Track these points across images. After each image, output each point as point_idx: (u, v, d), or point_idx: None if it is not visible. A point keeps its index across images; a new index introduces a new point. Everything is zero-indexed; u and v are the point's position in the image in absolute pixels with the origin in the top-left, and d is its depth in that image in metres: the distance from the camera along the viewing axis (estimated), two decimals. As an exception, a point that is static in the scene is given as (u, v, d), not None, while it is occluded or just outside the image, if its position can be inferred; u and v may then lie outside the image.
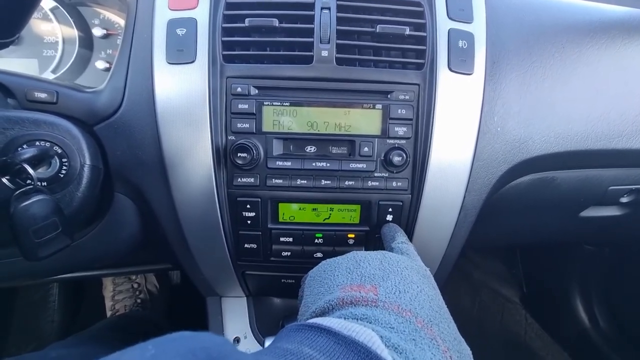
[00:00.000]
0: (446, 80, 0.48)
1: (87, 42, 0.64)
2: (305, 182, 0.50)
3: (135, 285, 1.12)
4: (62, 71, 0.63)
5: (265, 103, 0.48)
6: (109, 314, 1.08)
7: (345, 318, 0.29)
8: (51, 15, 0.62)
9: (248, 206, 0.51)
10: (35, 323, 1.10)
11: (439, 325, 0.31)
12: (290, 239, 0.54)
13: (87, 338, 0.73)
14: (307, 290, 0.37)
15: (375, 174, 0.50)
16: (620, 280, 1.08)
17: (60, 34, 0.62)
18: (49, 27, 0.62)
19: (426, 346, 0.28)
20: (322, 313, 0.32)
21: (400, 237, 0.47)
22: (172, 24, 0.48)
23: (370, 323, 0.28)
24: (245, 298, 0.67)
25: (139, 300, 1.09)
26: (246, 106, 0.48)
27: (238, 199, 0.51)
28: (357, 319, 0.29)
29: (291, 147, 0.50)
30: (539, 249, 1.23)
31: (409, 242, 0.46)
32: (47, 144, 0.42)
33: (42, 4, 0.60)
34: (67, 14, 0.61)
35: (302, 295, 0.40)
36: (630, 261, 1.05)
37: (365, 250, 0.54)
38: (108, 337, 0.77)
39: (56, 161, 0.43)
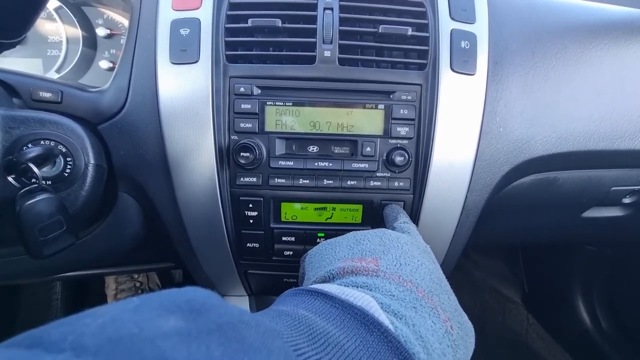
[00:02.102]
0: (448, 81, 0.48)
1: (90, 42, 0.64)
2: (308, 181, 0.51)
3: (138, 284, 1.12)
4: (66, 71, 0.63)
5: (268, 103, 0.49)
6: (111, 312, 1.09)
7: (345, 285, 0.29)
8: (55, 15, 0.62)
9: (250, 205, 0.51)
10: (39, 321, 1.10)
11: (440, 297, 0.31)
12: (293, 239, 0.54)
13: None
14: (308, 267, 0.37)
15: (378, 174, 0.50)
16: (622, 281, 1.08)
17: (64, 33, 0.63)
18: (53, 27, 0.63)
19: (427, 314, 0.28)
20: (323, 282, 0.32)
21: (403, 217, 0.46)
22: (176, 24, 0.48)
23: (370, 290, 0.28)
24: (247, 297, 0.67)
25: (141, 299, 1.10)
26: (249, 106, 0.48)
27: (240, 198, 0.51)
28: (358, 287, 0.29)
29: (294, 146, 0.50)
30: (541, 249, 1.23)
31: (411, 222, 0.46)
32: (52, 143, 0.42)
33: (46, 4, 0.61)
34: (71, 14, 0.62)
35: (302, 272, 0.40)
36: (632, 262, 1.05)
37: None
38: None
39: (61, 160, 0.43)
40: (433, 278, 0.32)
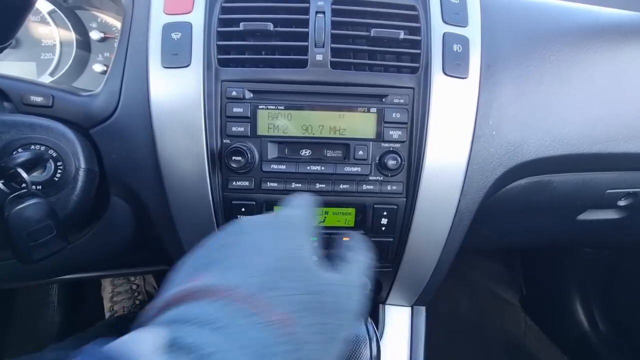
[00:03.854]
0: (441, 84, 0.48)
1: (84, 45, 0.64)
2: (300, 185, 0.50)
3: (134, 287, 1.12)
4: (59, 74, 0.63)
5: (260, 107, 0.48)
6: (107, 315, 1.09)
7: (158, 325, 0.24)
8: (49, 19, 0.62)
9: (243, 209, 0.51)
10: (35, 324, 1.11)
11: (278, 290, 0.25)
12: (286, 242, 0.54)
13: (86, 339, 0.74)
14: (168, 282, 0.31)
15: (370, 178, 0.50)
16: (619, 283, 1.08)
17: (58, 37, 0.63)
18: (46, 30, 0.63)
19: (245, 320, 0.23)
20: (150, 319, 0.27)
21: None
22: (168, 28, 0.48)
23: (175, 323, 0.24)
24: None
25: (137, 302, 1.10)
26: (241, 110, 0.48)
27: (233, 202, 0.51)
28: (171, 323, 0.24)
29: (286, 150, 0.50)
30: (538, 251, 1.23)
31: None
32: (42, 148, 0.42)
33: (39, 7, 0.61)
34: (64, 17, 0.62)
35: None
36: (629, 264, 1.05)
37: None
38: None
39: (51, 165, 0.43)
40: (277, 266, 0.27)
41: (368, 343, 0.37)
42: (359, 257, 0.33)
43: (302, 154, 0.50)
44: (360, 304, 0.30)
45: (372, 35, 0.48)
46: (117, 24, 0.64)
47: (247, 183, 0.50)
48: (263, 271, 0.26)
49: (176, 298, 0.26)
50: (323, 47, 0.48)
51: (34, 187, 0.41)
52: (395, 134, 0.49)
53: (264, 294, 0.24)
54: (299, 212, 0.34)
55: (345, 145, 0.50)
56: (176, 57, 0.47)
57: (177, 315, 0.25)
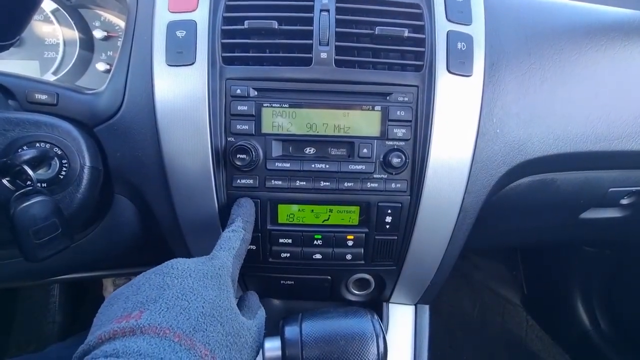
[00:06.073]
0: (445, 82, 0.48)
1: (87, 44, 0.64)
2: (305, 183, 0.50)
3: (136, 286, 1.12)
4: (62, 73, 0.63)
5: (264, 105, 0.48)
6: (109, 314, 1.08)
7: (95, 359, 0.27)
8: (52, 18, 0.62)
9: (247, 208, 0.51)
10: (36, 324, 1.11)
11: (205, 331, 0.31)
12: (290, 241, 0.54)
13: (87, 339, 0.73)
14: (95, 320, 0.35)
15: (375, 176, 0.50)
16: (621, 282, 1.08)
17: (61, 35, 0.63)
18: (50, 29, 0.63)
19: (180, 355, 0.28)
20: (84, 355, 0.30)
21: (238, 222, 0.45)
22: (172, 26, 0.48)
23: (117, 358, 0.27)
24: (244, 299, 0.67)
25: (139, 302, 1.10)
26: (245, 108, 0.48)
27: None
28: (108, 357, 0.27)
29: (290, 148, 0.50)
30: (539, 250, 1.23)
31: (244, 229, 0.44)
32: (47, 146, 0.42)
33: (43, 6, 0.61)
34: (68, 16, 0.62)
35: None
36: (631, 263, 1.05)
37: (365, 252, 0.54)
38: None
39: (56, 162, 0.43)
40: (205, 310, 0.32)
41: (375, 339, 0.37)
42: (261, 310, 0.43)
43: (307, 152, 0.50)
44: (259, 343, 0.38)
45: (376, 33, 0.48)
46: (121, 23, 0.64)
47: (251, 181, 0.50)
48: (194, 315, 0.31)
49: (114, 332, 0.29)
50: (327, 45, 0.48)
51: (39, 184, 0.41)
52: (400, 132, 0.49)
53: (194, 335, 0.30)
54: (227, 262, 0.40)
55: (349, 144, 0.50)
56: (181, 55, 0.47)
57: (111, 350, 0.28)
